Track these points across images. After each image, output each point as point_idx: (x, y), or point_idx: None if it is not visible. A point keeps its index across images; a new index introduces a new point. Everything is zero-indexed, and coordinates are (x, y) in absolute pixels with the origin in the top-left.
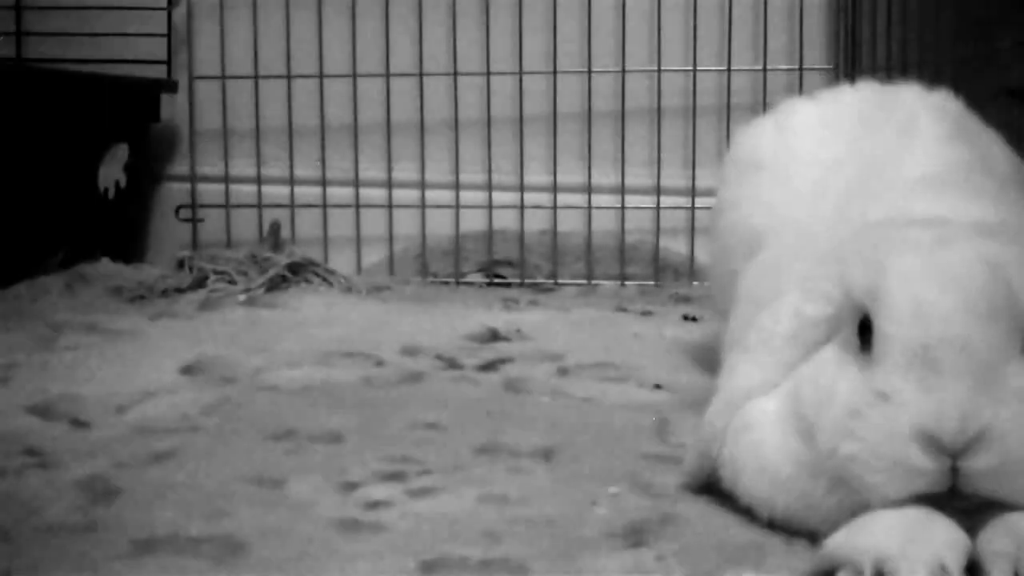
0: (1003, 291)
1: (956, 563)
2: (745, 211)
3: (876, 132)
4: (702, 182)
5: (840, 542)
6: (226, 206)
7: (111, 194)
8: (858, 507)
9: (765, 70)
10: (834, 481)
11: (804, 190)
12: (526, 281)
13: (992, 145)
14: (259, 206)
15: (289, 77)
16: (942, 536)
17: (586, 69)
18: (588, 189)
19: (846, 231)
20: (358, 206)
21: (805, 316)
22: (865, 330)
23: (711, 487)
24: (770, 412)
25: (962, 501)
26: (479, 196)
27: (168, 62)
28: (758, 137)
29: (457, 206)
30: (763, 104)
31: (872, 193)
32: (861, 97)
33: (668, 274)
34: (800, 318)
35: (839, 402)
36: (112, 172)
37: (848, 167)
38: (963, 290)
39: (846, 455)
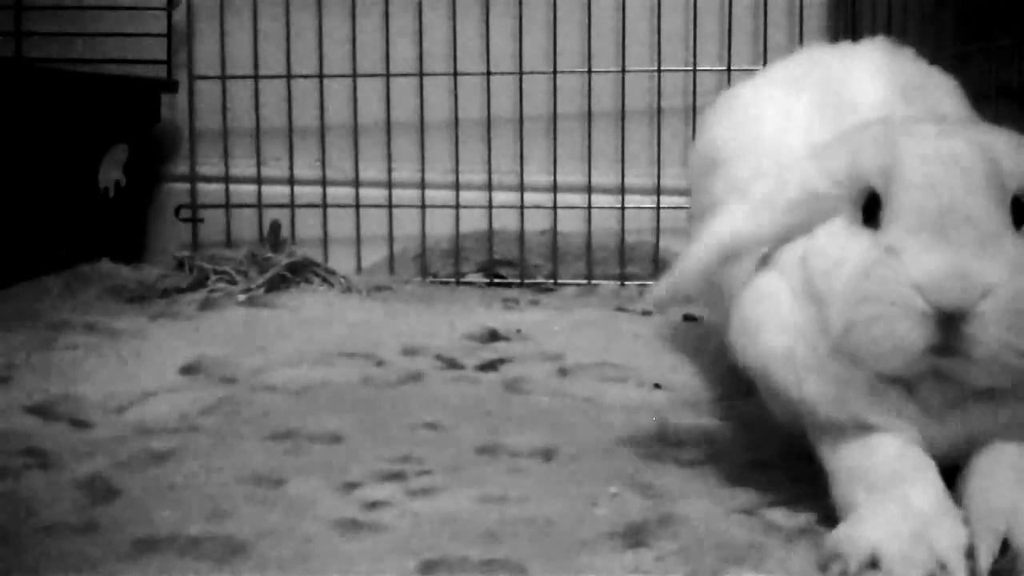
0: (999, 174)
1: (959, 563)
2: (708, 135)
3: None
4: None
5: (840, 535)
6: (226, 206)
7: (111, 194)
8: (870, 378)
9: None
10: (845, 352)
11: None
12: (526, 281)
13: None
14: (259, 206)
15: (289, 77)
16: (947, 538)
17: (586, 69)
18: (588, 189)
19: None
20: (358, 206)
21: (813, 189)
22: (872, 206)
23: None
24: (782, 285)
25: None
26: (479, 196)
27: (168, 62)
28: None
29: (457, 206)
30: None
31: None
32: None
33: None
34: (808, 190)
35: (850, 267)
36: (112, 172)
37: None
38: (968, 171)
39: (857, 315)
